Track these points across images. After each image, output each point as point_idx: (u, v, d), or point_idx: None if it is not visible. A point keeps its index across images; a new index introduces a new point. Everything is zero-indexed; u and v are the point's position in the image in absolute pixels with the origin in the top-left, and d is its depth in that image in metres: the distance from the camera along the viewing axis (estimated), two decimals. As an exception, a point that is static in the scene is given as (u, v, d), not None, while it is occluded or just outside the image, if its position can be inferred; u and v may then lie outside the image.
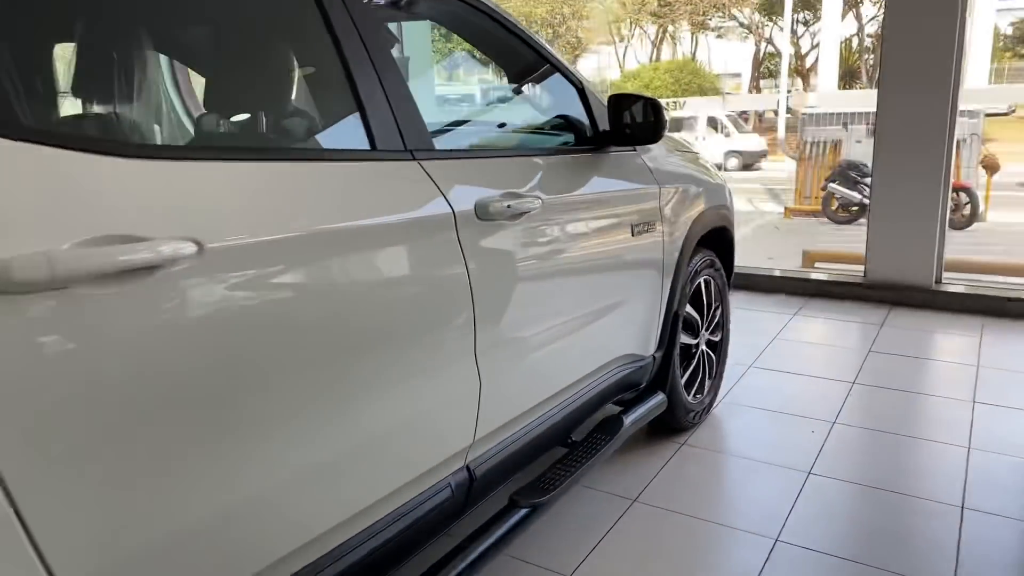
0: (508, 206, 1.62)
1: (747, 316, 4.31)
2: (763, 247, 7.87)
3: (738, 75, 33.55)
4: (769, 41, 30.81)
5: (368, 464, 1.36)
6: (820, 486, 2.41)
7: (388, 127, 1.43)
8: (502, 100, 2.71)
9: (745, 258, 7.01)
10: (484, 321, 1.56)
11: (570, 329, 1.94)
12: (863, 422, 2.87)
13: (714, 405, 3.02)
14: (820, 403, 3.05)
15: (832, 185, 10.16)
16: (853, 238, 4.34)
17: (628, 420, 2.25)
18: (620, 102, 2.10)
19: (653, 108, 2.05)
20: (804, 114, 12.07)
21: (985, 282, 4.60)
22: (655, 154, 2.48)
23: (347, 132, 1.48)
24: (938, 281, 4.37)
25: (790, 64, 28.10)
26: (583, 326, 2.01)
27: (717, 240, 2.99)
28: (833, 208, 10.27)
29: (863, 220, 7.09)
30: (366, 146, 1.41)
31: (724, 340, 3.06)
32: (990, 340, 3.76)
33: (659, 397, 2.46)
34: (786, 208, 11.33)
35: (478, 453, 1.64)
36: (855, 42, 27.28)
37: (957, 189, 8.90)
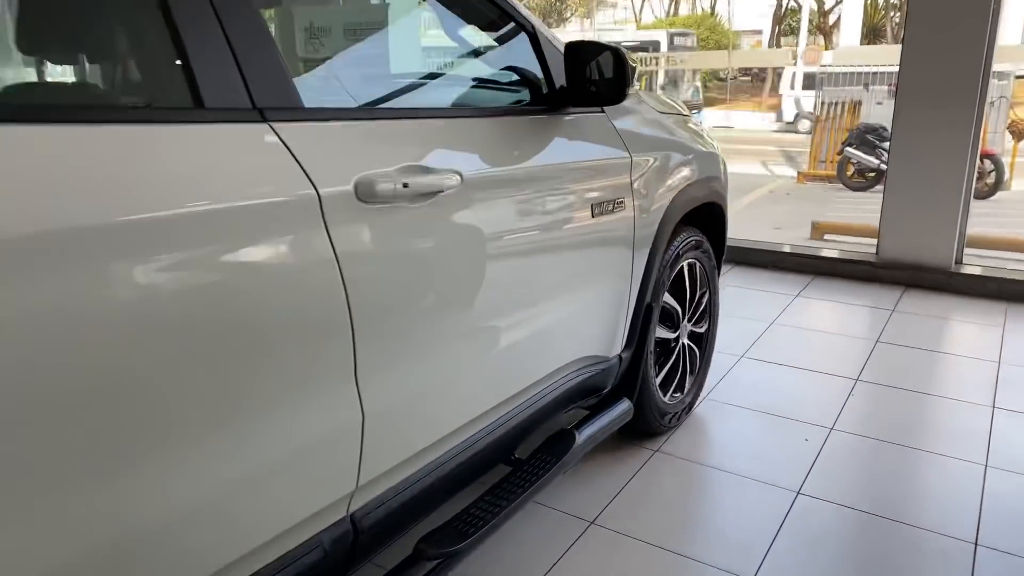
0: (405, 184, 1.25)
1: (743, 296, 3.92)
2: (771, 215, 7.42)
3: (759, 32, 32.35)
4: (792, -5, 29.61)
5: (206, 527, 1.02)
6: (809, 510, 2.07)
7: (225, 76, 1.05)
8: (428, 46, 2.28)
9: (749, 228, 6.63)
10: (367, 336, 1.20)
11: (499, 336, 1.58)
12: (865, 429, 2.51)
13: (696, 404, 2.66)
14: (817, 404, 2.69)
15: (849, 149, 9.62)
16: (868, 207, 3.92)
17: (582, 437, 1.89)
18: (579, 52, 1.70)
19: (616, 60, 1.65)
20: (822, 73, 11.43)
21: (1008, 261, 4.18)
22: (629, 116, 2.09)
23: (155, 84, 1.10)
24: (958, 262, 3.96)
25: (811, 21, 27.04)
26: (520, 331, 1.64)
27: (706, 217, 2.61)
28: (849, 174, 9.75)
29: (880, 187, 6.62)
30: (187, 102, 1.03)
31: (711, 331, 2.69)
32: (1014, 332, 3.37)
33: (624, 405, 2.10)
34: (799, 173, 10.81)
35: (366, 500, 1.29)
36: (881, -2, 26.13)
37: (982, 156, 8.35)
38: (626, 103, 2.19)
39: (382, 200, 1.21)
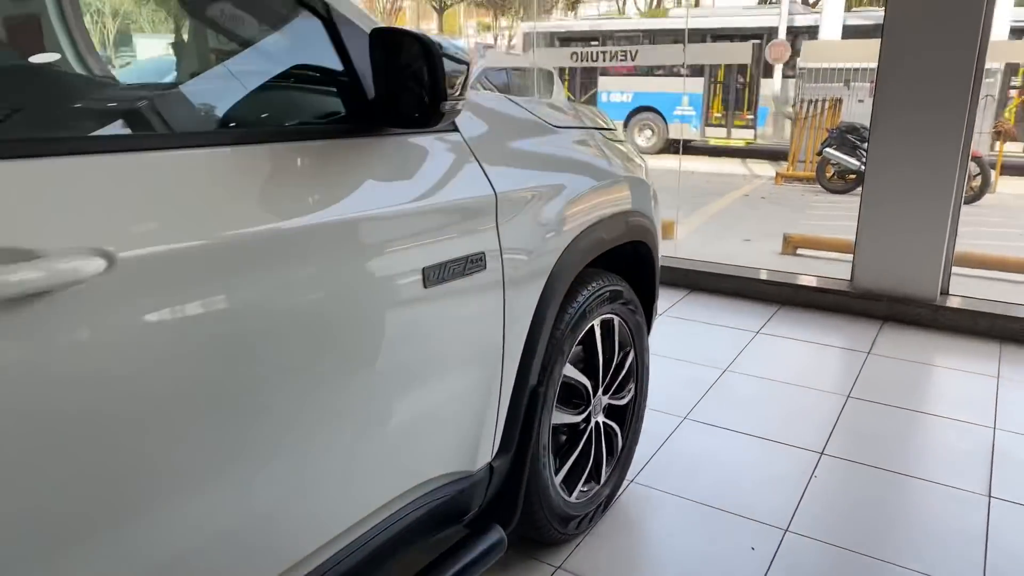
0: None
1: (695, 333, 3.37)
2: (742, 223, 6.88)
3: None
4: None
5: None
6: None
7: None
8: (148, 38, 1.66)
9: (715, 241, 6.09)
10: None
11: (254, 495, 1.01)
12: (828, 532, 1.96)
13: (617, 495, 2.11)
14: (771, 491, 2.14)
15: (828, 150, 9.09)
16: (847, 212, 3.38)
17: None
18: (390, 46, 1.12)
19: (427, 59, 1.08)
20: (802, 69, 10.92)
21: (998, 283, 3.66)
22: (504, 136, 1.52)
23: None
24: (944, 292, 3.43)
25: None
26: (296, 476, 1.07)
27: (630, 259, 2.06)
28: (828, 176, 9.24)
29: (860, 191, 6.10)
30: None
31: (638, 401, 2.14)
32: (1010, 384, 2.84)
33: (492, 538, 1.53)
34: (777, 173, 10.29)
35: None
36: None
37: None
38: (511, 114, 1.63)
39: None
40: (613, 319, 1.96)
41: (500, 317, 1.45)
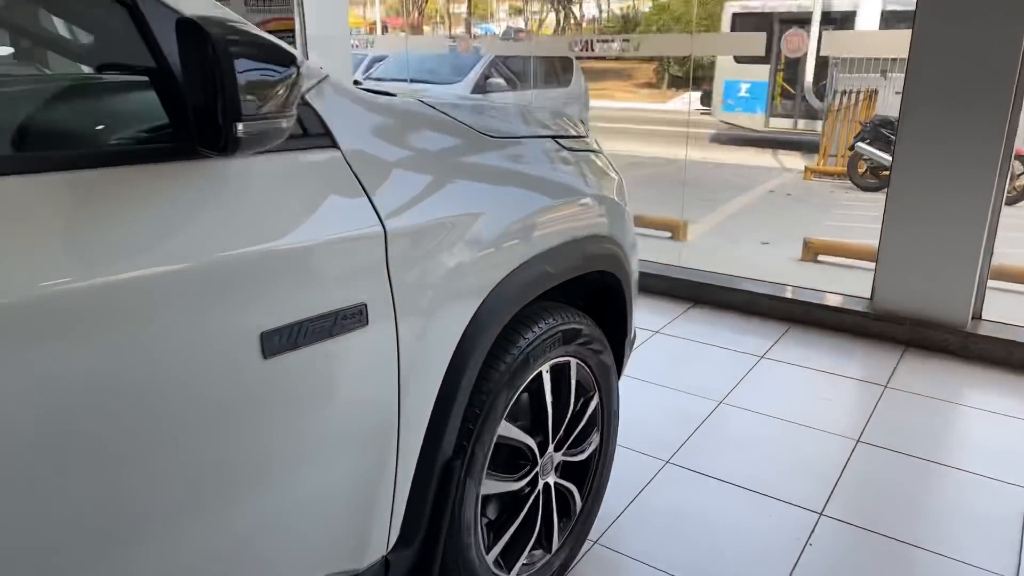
0: None
1: (693, 353, 3.04)
2: (764, 222, 6.48)
3: (779, 10, 30.83)
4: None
5: None
6: None
7: None
8: None
9: (730, 245, 5.68)
10: None
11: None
12: (819, 623, 1.65)
13: (575, 562, 1.81)
14: (758, 563, 1.83)
15: (861, 145, 8.59)
16: (878, 213, 3.03)
17: None
18: (189, 38, 0.82)
19: (214, 58, 0.78)
20: (834, 58, 10.37)
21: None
22: (394, 152, 1.21)
23: None
24: (976, 317, 3.05)
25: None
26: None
27: (598, 289, 1.76)
28: (860, 172, 8.74)
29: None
30: None
31: (604, 453, 1.83)
32: (1049, 429, 2.47)
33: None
34: (806, 168, 9.80)
35: None
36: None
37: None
38: (422, 123, 1.32)
39: None
40: (569, 362, 1.65)
41: (392, 382, 1.15)
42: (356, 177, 1.09)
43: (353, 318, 1.06)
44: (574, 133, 1.77)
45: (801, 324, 3.31)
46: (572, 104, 8.68)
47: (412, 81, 7.18)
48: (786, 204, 7.62)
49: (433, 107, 1.34)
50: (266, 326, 0.94)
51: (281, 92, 0.84)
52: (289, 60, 0.85)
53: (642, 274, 3.74)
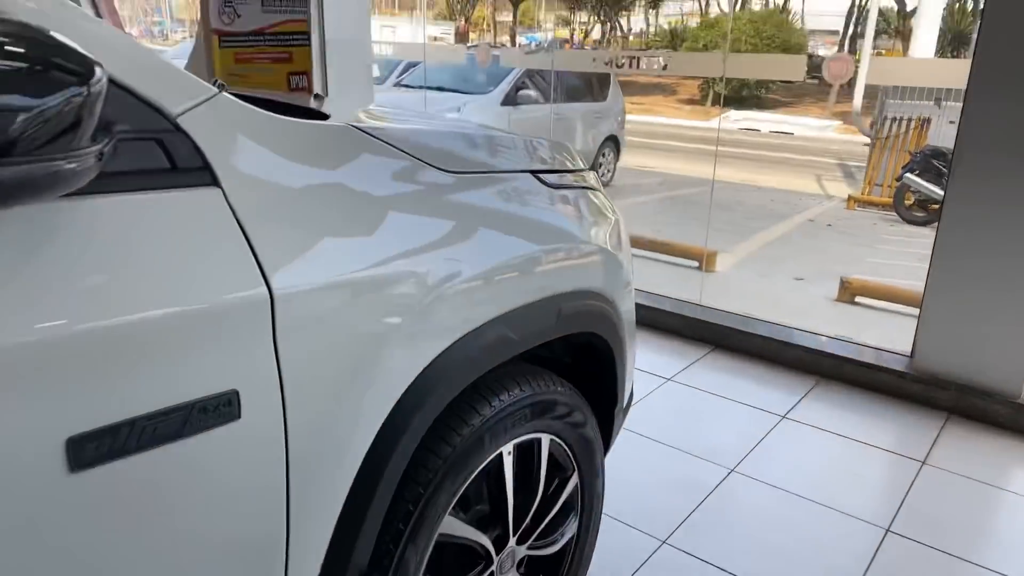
0: None
1: (705, 410, 2.74)
2: (799, 256, 6.11)
3: (835, 32, 30.12)
4: (871, -7, 27.39)
5: None
6: None
7: None
8: None
9: (761, 279, 5.33)
10: None
11: None
12: None
13: (537, 670, 1.54)
14: None
15: (909, 176, 8.16)
16: (926, 251, 2.70)
17: None
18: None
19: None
20: (885, 85, 9.92)
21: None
22: (299, 193, 0.97)
23: None
24: (1032, 386, 2.70)
25: (889, 23, 24.99)
26: None
27: (583, 345, 1.51)
28: (907, 204, 8.30)
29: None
30: None
31: (581, 543, 1.56)
32: (1114, 530, 2.12)
33: None
34: (850, 197, 9.37)
35: None
36: (969, 1, 23.84)
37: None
38: (352, 154, 1.08)
39: None
40: (540, 439, 1.39)
41: (278, 486, 0.90)
42: (239, 223, 0.85)
43: (216, 411, 0.81)
44: (561, 167, 1.51)
45: (830, 379, 2.99)
46: (605, 119, 8.41)
47: (440, 90, 6.98)
48: (826, 236, 7.23)
49: (371, 134, 1.10)
50: (77, 429, 0.70)
51: (59, 121, 0.60)
52: (78, 69, 0.61)
53: (658, 311, 3.46)
